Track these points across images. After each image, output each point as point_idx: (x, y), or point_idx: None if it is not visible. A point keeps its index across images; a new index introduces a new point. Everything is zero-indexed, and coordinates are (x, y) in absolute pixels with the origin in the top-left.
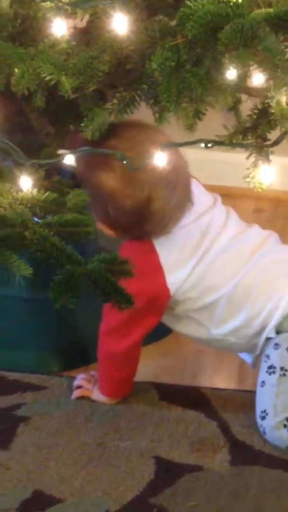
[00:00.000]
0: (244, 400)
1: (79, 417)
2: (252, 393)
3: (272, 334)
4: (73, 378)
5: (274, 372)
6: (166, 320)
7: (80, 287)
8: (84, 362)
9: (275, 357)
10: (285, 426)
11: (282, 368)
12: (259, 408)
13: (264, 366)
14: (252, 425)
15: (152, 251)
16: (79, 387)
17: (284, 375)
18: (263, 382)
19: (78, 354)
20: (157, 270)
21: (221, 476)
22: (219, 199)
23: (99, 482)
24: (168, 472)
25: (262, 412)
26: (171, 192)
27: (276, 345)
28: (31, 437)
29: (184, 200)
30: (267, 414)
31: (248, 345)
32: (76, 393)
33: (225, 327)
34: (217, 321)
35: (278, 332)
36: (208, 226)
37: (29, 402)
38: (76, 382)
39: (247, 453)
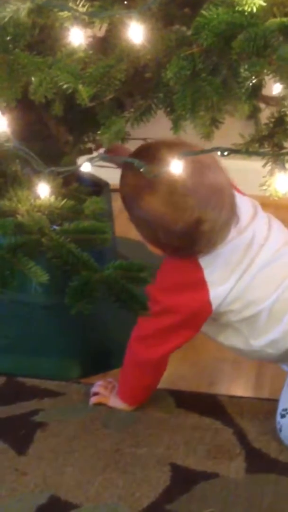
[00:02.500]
0: (261, 408)
1: (96, 424)
2: (269, 401)
3: None
4: (91, 384)
5: None
6: (207, 331)
7: (95, 293)
8: (102, 369)
9: None
10: None
11: None
12: (281, 406)
13: None
14: (268, 432)
15: (197, 267)
16: (96, 393)
17: None
18: None
19: (96, 361)
20: (202, 286)
21: (236, 484)
22: (259, 206)
23: (115, 488)
24: (184, 479)
25: (283, 410)
26: (219, 212)
27: None
28: (48, 443)
29: (231, 218)
30: (287, 413)
31: (285, 355)
32: (93, 400)
33: (263, 339)
34: (257, 333)
35: None
36: (251, 239)
37: (47, 408)
38: (94, 389)
39: (263, 461)
